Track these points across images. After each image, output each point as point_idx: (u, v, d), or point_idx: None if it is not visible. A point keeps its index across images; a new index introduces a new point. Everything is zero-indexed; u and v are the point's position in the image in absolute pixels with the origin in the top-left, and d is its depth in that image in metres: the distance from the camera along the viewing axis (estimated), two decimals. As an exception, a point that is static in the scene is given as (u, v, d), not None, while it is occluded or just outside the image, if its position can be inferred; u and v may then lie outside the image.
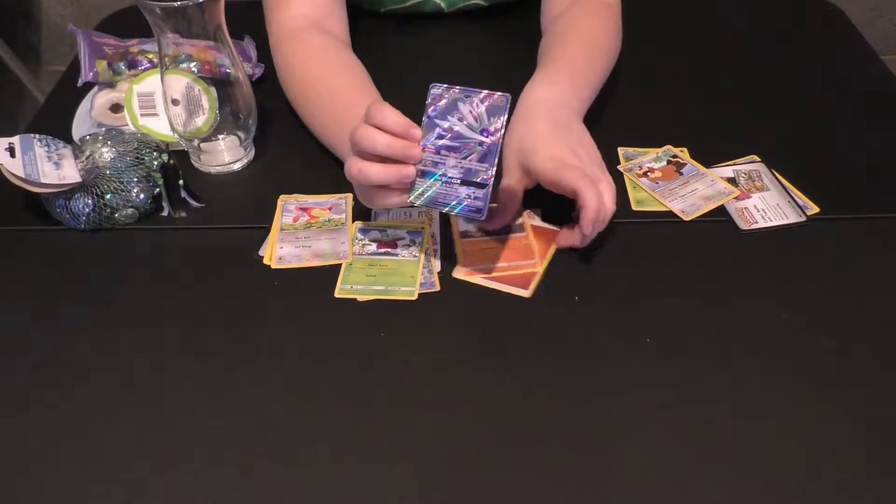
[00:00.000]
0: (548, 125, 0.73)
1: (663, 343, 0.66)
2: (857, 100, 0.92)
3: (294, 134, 0.87)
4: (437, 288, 0.70)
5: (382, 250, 0.73)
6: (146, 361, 0.66)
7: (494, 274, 0.71)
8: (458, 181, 0.65)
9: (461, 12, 1.05)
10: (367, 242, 0.74)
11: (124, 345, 0.67)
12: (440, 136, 0.64)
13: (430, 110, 0.65)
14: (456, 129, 0.64)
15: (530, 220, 0.76)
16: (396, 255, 0.73)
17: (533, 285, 0.70)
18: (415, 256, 0.73)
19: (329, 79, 0.84)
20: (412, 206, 0.67)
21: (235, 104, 0.80)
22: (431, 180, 0.65)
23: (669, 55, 1.00)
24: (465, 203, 0.65)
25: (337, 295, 0.70)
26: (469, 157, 0.64)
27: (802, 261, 0.73)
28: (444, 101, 0.64)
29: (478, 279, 0.71)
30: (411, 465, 0.58)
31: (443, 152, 0.64)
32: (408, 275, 0.71)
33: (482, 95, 0.63)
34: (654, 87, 0.95)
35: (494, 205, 0.73)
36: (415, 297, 0.69)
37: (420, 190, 0.65)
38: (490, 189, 0.64)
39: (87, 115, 0.87)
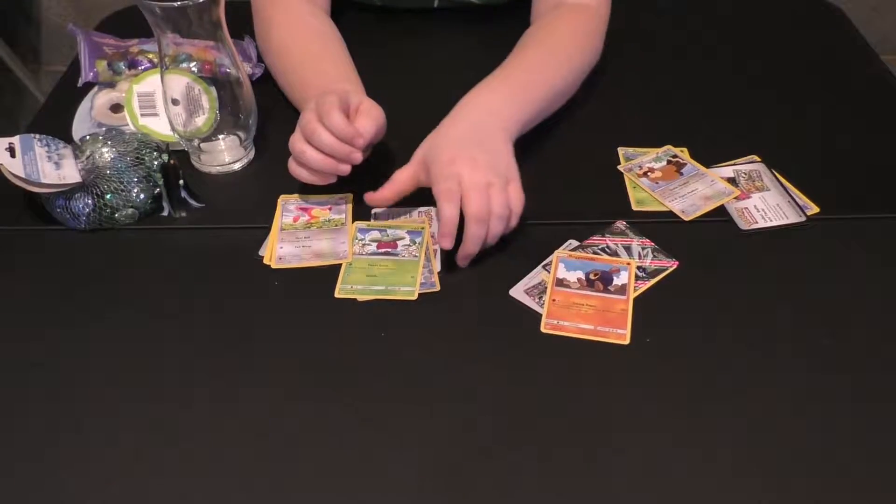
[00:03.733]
0: (464, 131, 0.74)
1: (664, 343, 0.66)
2: (857, 100, 0.92)
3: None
4: (437, 288, 0.70)
5: (382, 250, 0.73)
6: (146, 361, 0.66)
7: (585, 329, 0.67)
8: None
9: (450, 9, 1.05)
10: (367, 242, 0.74)
11: (124, 345, 0.67)
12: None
13: None
14: None
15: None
16: (397, 254, 0.73)
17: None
18: (415, 256, 0.73)
19: (305, 43, 0.87)
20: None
21: (235, 104, 0.80)
22: None
23: (669, 55, 1.00)
24: None
25: (337, 295, 0.70)
26: None
27: (802, 261, 0.73)
28: None
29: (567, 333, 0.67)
30: (411, 465, 0.58)
31: None
32: (408, 274, 0.71)
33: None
34: (654, 88, 0.95)
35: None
36: (415, 297, 0.69)
37: None
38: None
39: (88, 114, 0.87)
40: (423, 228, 0.75)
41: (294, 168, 0.74)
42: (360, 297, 0.70)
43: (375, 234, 0.75)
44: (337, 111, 0.70)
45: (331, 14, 0.94)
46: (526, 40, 0.87)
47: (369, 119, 0.73)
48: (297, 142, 0.73)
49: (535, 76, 0.82)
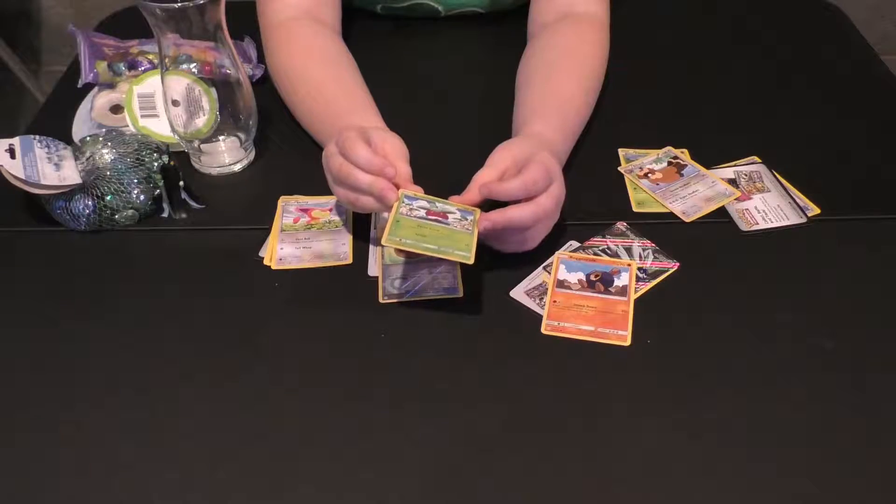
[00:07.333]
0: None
1: (664, 344, 0.66)
2: (857, 100, 0.92)
3: (294, 135, 0.87)
4: (461, 294, 0.70)
5: (433, 217, 0.68)
6: (146, 362, 0.65)
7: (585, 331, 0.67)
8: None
9: (457, 16, 1.04)
10: (415, 208, 0.69)
11: (124, 345, 0.67)
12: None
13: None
14: None
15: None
16: (448, 223, 0.68)
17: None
18: (468, 229, 0.68)
19: (313, 69, 0.85)
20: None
21: (236, 105, 0.80)
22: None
23: (669, 55, 1.00)
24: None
25: (383, 242, 0.64)
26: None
27: (803, 262, 0.73)
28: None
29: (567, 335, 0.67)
30: (412, 466, 0.58)
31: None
32: (462, 241, 0.66)
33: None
34: (655, 88, 0.95)
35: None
36: (471, 262, 0.64)
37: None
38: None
39: (88, 115, 0.87)
40: (474, 210, 0.70)
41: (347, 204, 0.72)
42: (412, 250, 0.65)
43: (424, 203, 0.69)
44: (361, 144, 0.67)
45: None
46: (558, 65, 0.85)
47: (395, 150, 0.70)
48: (331, 185, 0.72)
49: (575, 114, 0.82)
